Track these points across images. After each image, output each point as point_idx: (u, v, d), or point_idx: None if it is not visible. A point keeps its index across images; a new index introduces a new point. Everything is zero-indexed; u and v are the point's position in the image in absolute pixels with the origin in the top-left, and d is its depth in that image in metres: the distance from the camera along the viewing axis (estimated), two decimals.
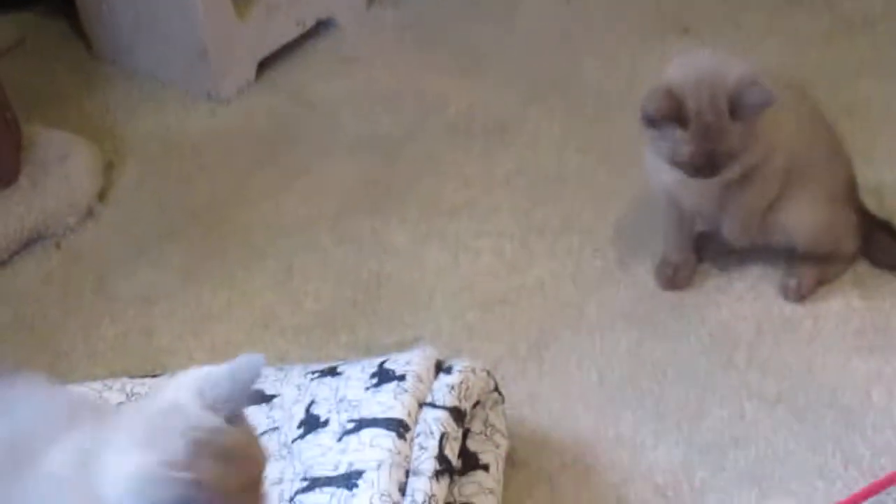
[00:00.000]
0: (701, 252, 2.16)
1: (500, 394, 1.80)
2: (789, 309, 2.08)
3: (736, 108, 1.88)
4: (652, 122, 1.91)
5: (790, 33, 2.69)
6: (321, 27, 2.81)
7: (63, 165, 2.38)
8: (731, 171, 1.94)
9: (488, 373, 1.78)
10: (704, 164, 1.91)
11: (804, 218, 2.04)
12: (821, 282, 2.10)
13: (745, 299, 2.10)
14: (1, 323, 2.18)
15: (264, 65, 2.72)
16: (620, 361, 2.01)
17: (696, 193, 2.03)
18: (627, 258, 2.20)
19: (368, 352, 1.99)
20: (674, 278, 2.14)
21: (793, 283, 2.09)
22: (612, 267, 2.19)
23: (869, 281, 2.11)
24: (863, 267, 2.13)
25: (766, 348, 2.01)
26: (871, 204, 2.15)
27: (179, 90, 2.68)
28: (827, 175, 2.07)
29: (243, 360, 1.21)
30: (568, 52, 2.72)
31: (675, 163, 1.93)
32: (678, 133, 1.90)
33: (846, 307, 2.07)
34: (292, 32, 2.75)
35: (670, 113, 1.88)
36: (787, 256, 2.10)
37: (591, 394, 1.97)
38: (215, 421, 1.17)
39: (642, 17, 2.79)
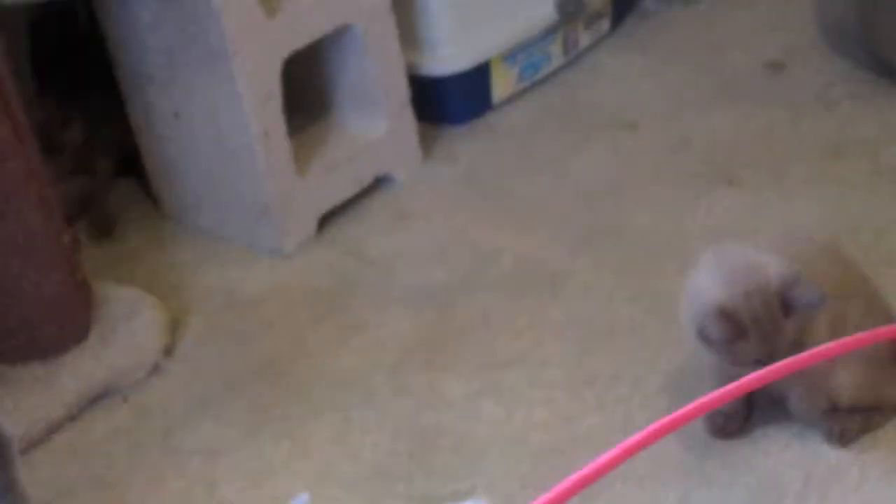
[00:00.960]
0: (751, 400, 2.21)
1: None
2: (835, 457, 2.11)
3: (788, 308, 1.95)
4: (710, 341, 1.98)
5: (833, 182, 2.76)
6: (379, 183, 2.92)
7: (131, 322, 2.47)
8: None
9: None
10: (767, 362, 1.96)
11: (844, 380, 2.09)
12: (865, 429, 2.13)
13: (793, 447, 2.14)
14: (69, 478, 2.25)
15: (323, 221, 2.82)
16: None
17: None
18: (676, 407, 2.23)
19: (425, 502, 2.05)
20: (724, 427, 2.18)
21: (836, 429, 2.13)
22: (660, 416, 2.23)
23: None
24: None
25: (813, 497, 2.04)
26: None
27: (242, 247, 2.79)
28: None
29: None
30: (618, 203, 2.80)
31: (737, 366, 1.97)
32: (739, 345, 1.96)
33: (892, 454, 2.10)
34: (351, 189, 2.86)
35: (732, 335, 1.95)
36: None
37: None
38: None
39: (689, 168, 2.88)
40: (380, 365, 2.44)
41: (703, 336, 2.00)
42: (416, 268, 2.69)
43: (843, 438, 2.12)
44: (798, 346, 2.00)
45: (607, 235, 2.70)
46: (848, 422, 2.12)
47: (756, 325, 1.96)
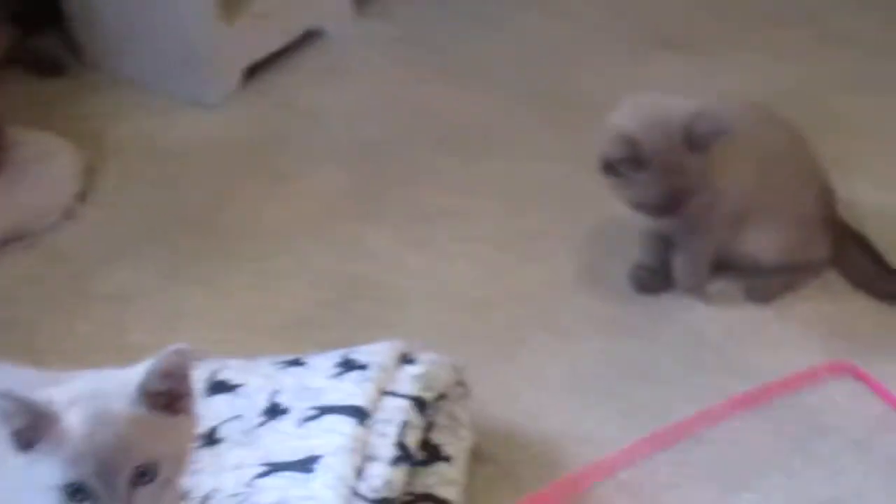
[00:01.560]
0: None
1: (465, 387, 1.80)
2: (758, 312, 2.08)
3: (691, 141, 1.91)
4: (611, 169, 1.95)
5: (772, 47, 2.70)
6: (309, 37, 2.83)
7: (44, 165, 2.38)
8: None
9: (453, 366, 1.78)
10: (668, 203, 1.94)
11: (769, 243, 2.07)
12: (787, 287, 2.10)
13: (717, 302, 2.11)
14: None
15: (251, 73, 2.73)
16: (591, 362, 2.02)
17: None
18: (603, 262, 2.21)
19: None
20: (648, 282, 2.15)
21: (758, 284, 2.09)
22: (586, 271, 2.20)
23: (837, 286, 2.11)
24: (832, 273, 2.13)
25: (734, 350, 2.02)
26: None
27: (165, 96, 2.70)
28: (795, 198, 2.07)
29: (169, 350, 1.29)
30: (556, 64, 2.73)
31: (639, 206, 1.96)
32: (639, 176, 1.92)
33: (814, 311, 2.08)
34: (280, 40, 2.77)
35: (628, 157, 1.91)
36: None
37: (561, 393, 1.97)
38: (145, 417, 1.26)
39: (628, 31, 2.81)
40: (304, 217, 2.37)
41: (605, 162, 1.95)
42: (347, 122, 2.62)
43: (763, 295, 2.09)
44: (707, 184, 1.96)
45: (543, 95, 2.64)
46: (769, 280, 2.09)
47: (657, 156, 1.91)
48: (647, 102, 1.97)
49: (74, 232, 2.36)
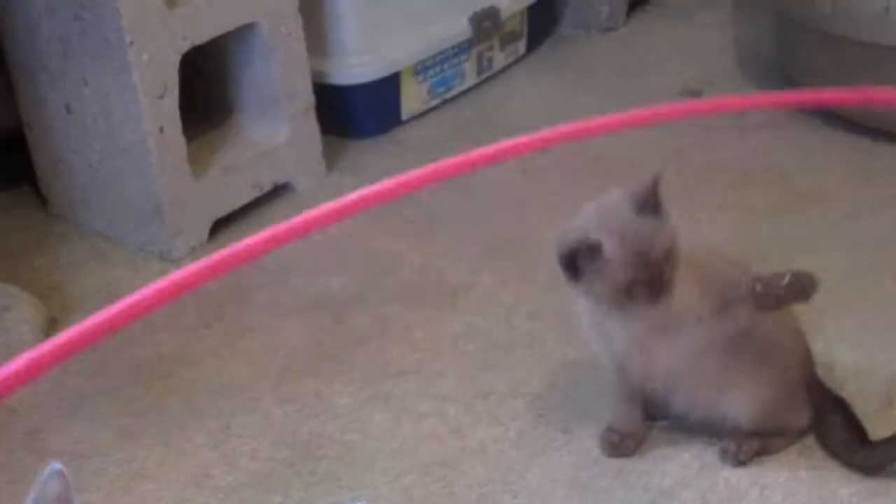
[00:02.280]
0: (650, 420, 2.13)
1: None
2: (735, 479, 2.02)
3: (638, 208, 1.87)
4: (572, 267, 1.89)
5: (743, 207, 2.70)
6: (278, 191, 2.82)
7: (4, 318, 2.35)
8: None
9: None
10: (647, 275, 1.86)
11: (748, 401, 2.01)
12: (764, 451, 2.06)
13: (691, 468, 2.05)
14: None
15: (218, 226, 2.71)
16: None
17: (647, 355, 2.00)
18: (572, 424, 2.16)
19: None
20: (619, 446, 2.10)
21: (732, 447, 2.05)
22: (556, 433, 2.15)
23: (817, 453, 2.07)
24: (810, 438, 2.09)
25: None
26: None
27: (132, 249, 2.68)
28: (774, 355, 2.04)
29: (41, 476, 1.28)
30: (522, 219, 2.72)
31: (621, 294, 1.87)
32: (601, 263, 1.87)
33: (793, 479, 2.02)
34: (248, 195, 2.76)
35: (581, 240, 1.87)
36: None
37: None
38: None
39: (597, 187, 2.79)
40: (266, 372, 2.33)
41: (563, 259, 1.89)
42: (312, 276, 2.59)
43: (738, 457, 2.04)
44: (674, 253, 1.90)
45: (509, 250, 2.62)
46: (745, 442, 2.05)
47: (609, 234, 1.85)
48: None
49: (33, 386, 2.29)
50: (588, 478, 2.05)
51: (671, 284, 1.89)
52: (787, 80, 3.09)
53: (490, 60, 3.23)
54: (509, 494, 2.02)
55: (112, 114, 2.56)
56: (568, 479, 2.05)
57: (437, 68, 3.10)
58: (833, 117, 2.96)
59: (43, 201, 2.81)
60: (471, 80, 3.20)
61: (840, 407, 2.08)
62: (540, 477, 2.06)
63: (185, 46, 2.54)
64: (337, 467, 2.10)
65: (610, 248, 1.86)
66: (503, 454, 2.11)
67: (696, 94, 3.16)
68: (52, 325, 2.43)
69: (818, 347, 2.15)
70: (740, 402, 2.02)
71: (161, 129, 2.54)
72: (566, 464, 2.08)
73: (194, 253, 2.65)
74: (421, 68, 3.06)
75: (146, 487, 2.08)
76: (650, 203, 1.88)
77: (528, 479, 2.06)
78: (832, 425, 2.07)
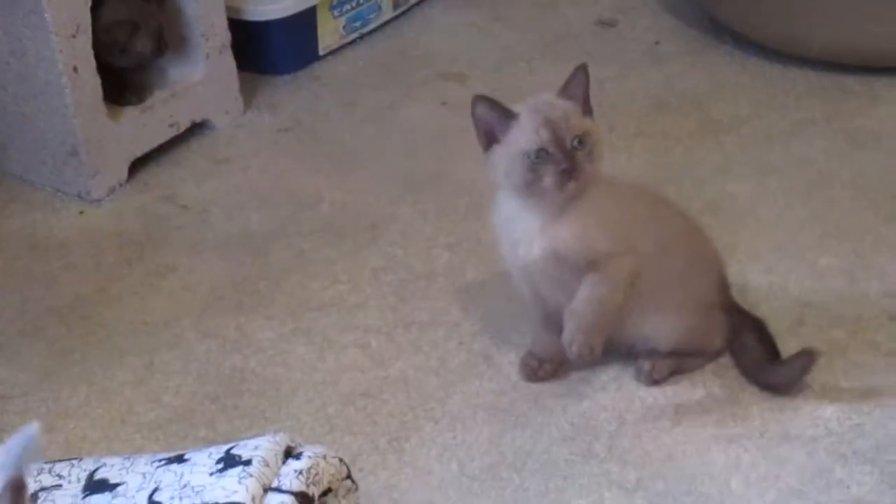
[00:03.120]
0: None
1: (353, 481, 1.76)
2: (651, 399, 2.07)
3: (561, 90, 1.93)
4: (489, 131, 1.93)
5: (659, 135, 2.74)
6: (196, 129, 2.81)
7: None
8: (579, 223, 1.94)
9: (340, 459, 1.74)
10: (557, 150, 1.89)
11: (666, 325, 2.06)
12: (678, 370, 2.10)
13: (608, 390, 2.10)
14: None
15: (136, 165, 2.70)
16: (481, 452, 1.99)
17: (548, 278, 2.02)
18: (492, 351, 2.19)
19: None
20: (538, 371, 2.13)
21: (647, 366, 2.09)
22: (476, 360, 2.18)
23: (730, 371, 2.12)
24: (724, 357, 2.13)
25: (626, 438, 2.00)
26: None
27: (50, 191, 2.66)
28: (689, 280, 2.08)
29: (18, 435, 1.22)
30: (441, 153, 2.74)
31: (528, 162, 1.90)
32: (514, 126, 1.91)
33: (707, 397, 2.07)
34: (166, 133, 2.75)
35: (499, 108, 1.91)
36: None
37: (451, 485, 1.94)
38: None
39: None
40: (187, 309, 2.34)
41: (478, 121, 1.93)
42: (232, 213, 2.60)
43: (653, 376, 2.09)
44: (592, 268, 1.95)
45: (429, 183, 2.64)
46: (660, 362, 2.09)
47: (527, 105, 1.92)
48: None
49: None
50: (508, 403, 2.09)
51: (580, 166, 1.91)
52: (701, 9, 3.12)
53: None
54: (430, 421, 2.06)
55: (25, 54, 2.53)
56: (488, 404, 2.08)
57: (353, 2, 3.10)
58: (745, 44, 3.00)
59: None
60: (387, 14, 3.20)
61: (755, 327, 2.13)
62: (461, 403, 2.09)
63: None
64: (260, 400, 2.12)
65: (524, 116, 1.91)
66: (424, 382, 2.14)
67: (610, 24, 3.18)
68: None
69: (733, 269, 2.21)
70: (658, 325, 2.06)
71: (75, 69, 2.52)
72: (486, 390, 2.11)
73: (113, 193, 2.65)
74: (337, 3, 3.05)
75: (70, 426, 2.09)
76: (574, 92, 1.94)
77: (448, 405, 2.09)
78: (746, 346, 2.12)
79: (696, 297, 2.09)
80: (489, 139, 1.95)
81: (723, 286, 2.13)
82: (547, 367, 2.13)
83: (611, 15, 3.21)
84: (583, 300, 1.98)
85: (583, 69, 1.96)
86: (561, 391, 2.10)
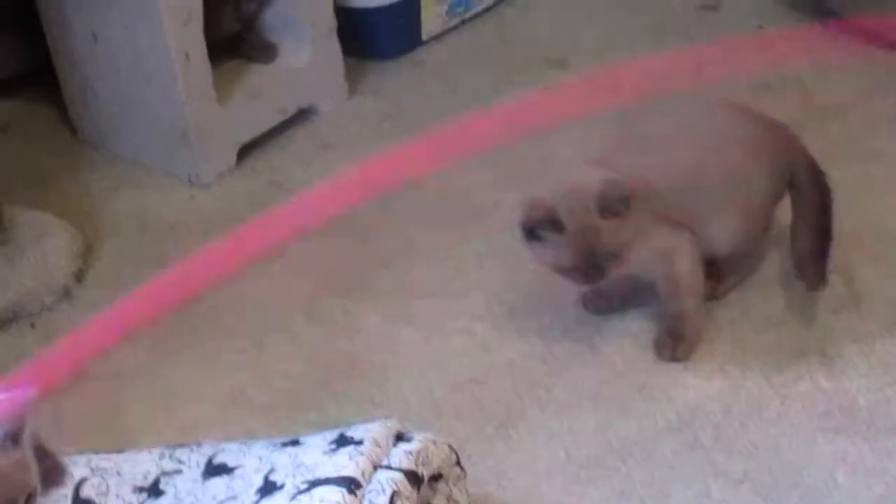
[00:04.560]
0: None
1: (462, 468, 1.80)
2: (757, 390, 2.08)
3: (602, 208, 2.02)
4: (531, 233, 2.05)
5: None
6: (302, 114, 2.85)
7: (40, 245, 2.40)
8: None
9: (449, 446, 1.78)
10: (588, 266, 2.04)
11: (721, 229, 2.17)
12: (743, 278, 2.27)
13: (714, 380, 2.11)
14: None
15: (245, 150, 2.75)
16: (587, 440, 2.02)
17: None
18: (596, 339, 2.21)
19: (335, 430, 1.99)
20: (599, 303, 2.25)
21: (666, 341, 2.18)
22: (581, 348, 2.20)
23: (837, 362, 2.12)
24: (831, 348, 2.14)
25: (732, 428, 2.01)
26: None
27: (160, 174, 2.72)
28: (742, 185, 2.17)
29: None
30: (544, 141, 2.75)
31: (562, 270, 2.06)
32: (556, 239, 2.03)
33: (813, 388, 2.08)
34: (273, 119, 2.80)
35: (545, 217, 2.02)
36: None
37: (557, 472, 1.97)
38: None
39: (616, 111, 2.83)
40: (296, 292, 2.38)
41: (523, 224, 2.06)
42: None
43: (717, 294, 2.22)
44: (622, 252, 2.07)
45: (532, 169, 2.65)
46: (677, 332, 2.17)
47: (570, 219, 2.02)
48: (574, 176, 2.12)
49: (71, 312, 2.37)
50: (613, 391, 2.11)
51: (607, 276, 2.07)
52: None
53: None
54: (537, 408, 2.08)
55: (138, 41, 2.59)
56: (594, 392, 2.11)
57: None
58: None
59: (72, 129, 2.85)
60: None
61: (823, 198, 2.22)
62: (566, 391, 2.12)
63: None
64: (368, 385, 2.16)
65: (567, 235, 2.03)
66: (530, 369, 2.17)
67: (713, 7, 3.17)
68: (87, 251, 2.49)
69: (837, 259, 2.21)
70: (715, 232, 2.16)
71: (187, 56, 2.57)
72: (592, 378, 2.14)
73: (222, 177, 2.70)
74: None
75: (186, 407, 2.15)
76: (614, 207, 2.03)
77: (554, 393, 2.12)
78: (801, 232, 2.22)
79: (746, 195, 2.17)
80: (531, 235, 2.07)
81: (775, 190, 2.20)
82: (601, 301, 2.25)
83: None
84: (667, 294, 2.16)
85: (629, 192, 2.04)
86: (666, 380, 2.12)
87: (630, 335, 2.20)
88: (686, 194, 2.12)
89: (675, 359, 2.15)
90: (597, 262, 2.04)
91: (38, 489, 1.43)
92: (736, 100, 2.37)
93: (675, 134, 2.19)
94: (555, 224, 2.03)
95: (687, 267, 2.14)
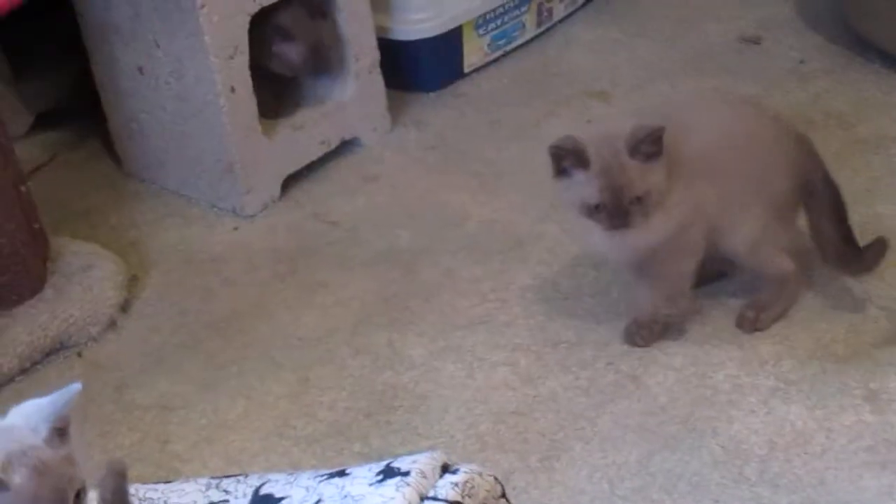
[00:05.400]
0: None
1: (507, 501, 1.80)
2: (801, 423, 2.08)
3: (632, 148, 2.06)
4: (560, 168, 2.09)
5: None
6: (345, 146, 2.88)
7: (87, 276, 2.42)
8: (645, 228, 2.11)
9: (495, 478, 1.78)
10: (613, 208, 2.06)
11: (743, 236, 2.20)
12: (779, 316, 2.27)
13: (758, 413, 2.11)
14: None
15: (288, 182, 2.78)
16: (631, 473, 2.02)
17: (621, 256, 2.23)
18: (639, 371, 2.22)
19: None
20: (636, 335, 2.27)
21: (750, 314, 2.26)
22: (624, 380, 2.21)
23: (881, 396, 2.11)
24: (875, 382, 2.13)
25: (777, 462, 2.01)
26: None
27: (205, 206, 2.75)
28: (764, 187, 2.21)
29: (62, 391, 1.41)
30: None
31: (587, 209, 2.09)
32: (583, 176, 2.07)
33: (858, 422, 2.07)
34: (317, 151, 2.82)
35: (574, 152, 2.07)
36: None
37: None
38: (33, 439, 1.37)
39: None
40: (340, 325, 2.40)
41: (552, 154, 2.09)
42: (381, 230, 2.65)
43: (755, 326, 2.27)
44: (663, 252, 2.15)
45: None
46: (763, 313, 2.26)
47: (599, 158, 2.06)
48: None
49: (116, 342, 2.39)
50: (656, 424, 2.11)
51: (632, 222, 2.09)
52: (846, 26, 3.10)
53: (549, 11, 3.26)
54: (581, 441, 2.09)
55: (184, 74, 2.62)
56: (637, 425, 2.11)
57: (498, 21, 3.14)
58: (892, 61, 2.98)
59: (117, 161, 2.88)
60: (531, 31, 3.24)
61: (835, 201, 2.25)
62: (610, 423, 2.12)
63: (254, 8, 2.60)
64: (413, 417, 2.17)
65: (593, 170, 2.07)
66: (574, 402, 2.18)
67: (754, 41, 3.18)
68: (133, 282, 2.51)
69: (881, 292, 2.26)
70: (735, 235, 2.20)
71: (232, 89, 2.60)
72: (635, 411, 2.14)
73: (266, 209, 2.73)
74: (482, 22, 3.10)
75: (230, 438, 2.16)
76: (645, 149, 2.07)
77: (598, 425, 2.12)
78: (824, 231, 2.26)
79: (768, 199, 2.20)
80: (560, 171, 2.10)
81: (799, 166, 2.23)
82: (644, 332, 2.26)
83: (754, 31, 3.20)
84: (663, 275, 2.21)
85: (659, 132, 2.06)
86: (710, 413, 2.12)
87: (673, 369, 2.20)
88: (710, 176, 2.15)
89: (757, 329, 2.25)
90: (621, 203, 2.06)
91: (86, 487, 1.45)
92: None
93: (703, 121, 2.22)
94: (581, 159, 2.06)
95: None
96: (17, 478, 1.36)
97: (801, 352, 2.22)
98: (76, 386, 1.44)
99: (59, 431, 1.40)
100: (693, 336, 2.27)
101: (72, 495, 1.38)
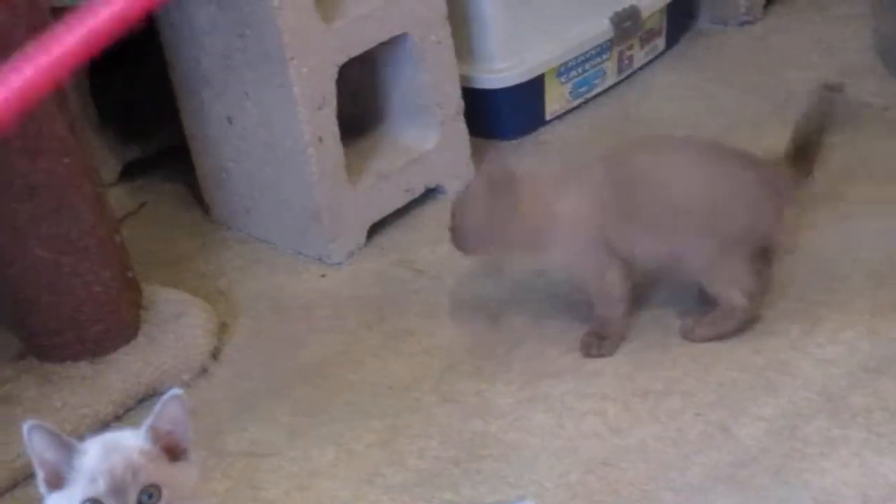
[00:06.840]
0: None
1: None
2: (894, 476, 2.07)
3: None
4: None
5: (892, 203, 2.72)
6: (429, 194, 2.90)
7: (179, 324, 2.46)
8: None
9: None
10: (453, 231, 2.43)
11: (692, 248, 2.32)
12: (717, 336, 2.38)
13: (850, 465, 2.10)
14: None
15: (373, 230, 2.81)
16: None
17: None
18: (729, 422, 2.21)
19: None
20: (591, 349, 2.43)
21: (689, 322, 2.39)
22: (713, 430, 2.20)
23: None
24: None
25: None
26: None
27: (291, 254, 2.78)
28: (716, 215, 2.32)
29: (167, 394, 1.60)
30: None
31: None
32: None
33: None
34: (401, 199, 2.85)
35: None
36: None
37: None
38: (152, 451, 1.59)
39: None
40: (428, 373, 2.42)
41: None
42: (465, 278, 2.67)
43: (693, 335, 2.39)
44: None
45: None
46: (700, 324, 2.39)
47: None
48: None
49: (208, 389, 2.43)
50: (747, 476, 2.10)
51: (467, 248, 2.47)
52: None
53: (630, 59, 3.27)
54: (671, 492, 2.09)
55: (272, 125, 2.66)
56: (727, 476, 2.11)
57: (579, 69, 3.16)
58: None
59: (205, 209, 2.93)
60: (611, 78, 3.25)
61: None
62: (700, 475, 2.12)
63: (342, 59, 2.64)
64: (502, 465, 2.18)
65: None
66: (663, 452, 2.18)
67: (836, 88, 3.16)
68: (223, 330, 2.55)
69: None
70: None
71: (320, 139, 2.64)
72: (725, 462, 2.14)
73: (352, 257, 2.75)
74: (563, 70, 3.12)
75: (322, 486, 2.18)
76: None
77: (688, 476, 2.12)
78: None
79: (723, 231, 2.30)
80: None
81: (755, 230, 2.34)
82: (594, 342, 2.41)
83: (837, 79, 3.19)
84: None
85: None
86: (801, 465, 2.11)
87: (764, 419, 2.19)
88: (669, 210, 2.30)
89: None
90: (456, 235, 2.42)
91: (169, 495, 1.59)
92: None
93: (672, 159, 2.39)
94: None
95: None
96: (91, 447, 1.57)
97: (892, 403, 2.21)
98: (175, 391, 1.60)
99: (154, 431, 1.59)
100: (780, 387, 2.26)
101: (133, 479, 1.54)
